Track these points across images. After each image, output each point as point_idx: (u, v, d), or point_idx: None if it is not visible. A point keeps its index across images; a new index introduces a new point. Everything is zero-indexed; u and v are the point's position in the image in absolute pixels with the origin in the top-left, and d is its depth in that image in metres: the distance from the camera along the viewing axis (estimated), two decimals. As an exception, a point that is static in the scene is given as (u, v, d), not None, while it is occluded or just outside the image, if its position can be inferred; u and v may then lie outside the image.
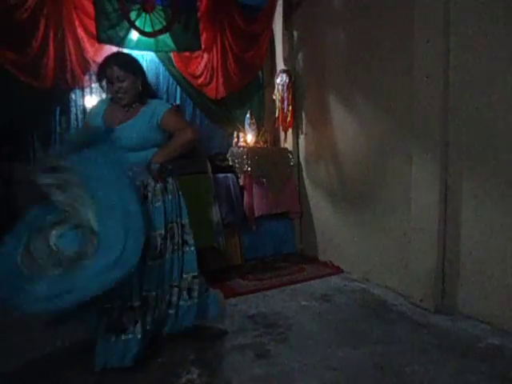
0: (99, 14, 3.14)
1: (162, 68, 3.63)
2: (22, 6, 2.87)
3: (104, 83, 2.01)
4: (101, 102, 2.18)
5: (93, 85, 3.40)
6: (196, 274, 2.11)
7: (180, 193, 2.11)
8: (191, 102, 3.79)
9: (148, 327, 1.96)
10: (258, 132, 3.96)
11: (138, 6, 3.30)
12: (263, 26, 3.79)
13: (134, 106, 2.01)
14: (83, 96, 3.40)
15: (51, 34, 3.00)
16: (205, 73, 3.67)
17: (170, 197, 2.04)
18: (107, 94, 2.12)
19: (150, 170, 1.96)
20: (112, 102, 2.05)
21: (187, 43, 3.55)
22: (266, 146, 4.00)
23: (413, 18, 2.51)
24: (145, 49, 3.45)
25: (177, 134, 2.02)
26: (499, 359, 1.94)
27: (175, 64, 3.57)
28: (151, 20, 3.34)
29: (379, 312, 2.56)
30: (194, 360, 2.01)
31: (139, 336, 1.91)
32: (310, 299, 2.77)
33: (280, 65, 3.98)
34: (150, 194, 1.98)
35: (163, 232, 1.99)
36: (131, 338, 1.90)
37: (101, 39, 3.17)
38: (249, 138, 3.90)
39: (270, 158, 3.73)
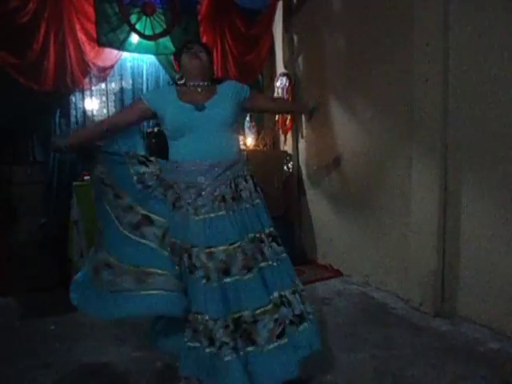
0: (100, 17, 3.15)
1: (162, 71, 3.63)
2: (23, 10, 2.88)
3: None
4: (167, 88, 2.14)
5: (93, 87, 3.42)
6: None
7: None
8: (191, 105, 3.80)
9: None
10: (258, 135, 3.96)
11: (138, 10, 3.30)
12: (263, 29, 3.81)
13: (208, 85, 1.86)
14: (83, 99, 3.42)
15: (52, 37, 3.01)
16: (205, 76, 3.67)
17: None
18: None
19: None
20: (178, 88, 1.87)
21: (187, 46, 3.56)
22: (265, 149, 4.00)
23: (412, 22, 2.52)
24: (145, 52, 3.46)
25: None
26: (499, 363, 1.93)
27: (175, 67, 3.57)
28: (151, 23, 3.35)
29: (379, 316, 2.55)
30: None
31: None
32: (310, 302, 2.75)
33: (280, 68, 3.99)
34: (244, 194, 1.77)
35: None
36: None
37: (101, 42, 3.17)
38: (248, 141, 3.90)
39: (269, 161, 3.73)
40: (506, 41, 2.12)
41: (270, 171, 3.69)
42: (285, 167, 3.79)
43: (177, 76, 1.95)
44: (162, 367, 1.98)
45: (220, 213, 1.68)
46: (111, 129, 1.84)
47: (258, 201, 1.79)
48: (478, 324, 2.31)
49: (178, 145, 1.76)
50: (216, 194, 1.69)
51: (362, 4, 3.01)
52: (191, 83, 1.84)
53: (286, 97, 3.80)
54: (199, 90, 1.83)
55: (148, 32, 3.34)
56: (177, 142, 1.76)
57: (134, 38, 3.34)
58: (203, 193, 1.69)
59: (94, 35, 3.15)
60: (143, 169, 1.76)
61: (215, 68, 3.65)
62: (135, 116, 1.84)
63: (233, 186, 1.73)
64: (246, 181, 1.79)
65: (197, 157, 1.71)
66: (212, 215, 1.67)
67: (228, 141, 1.80)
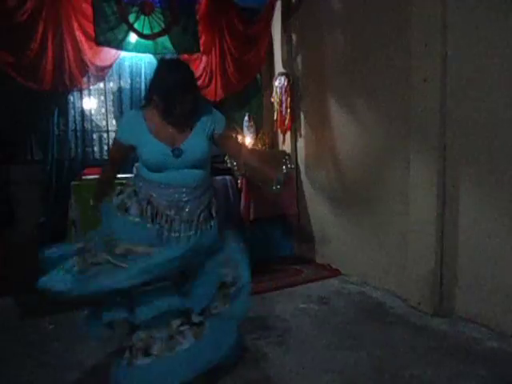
0: (98, 16, 3.16)
1: (160, 70, 3.64)
2: (21, 9, 2.88)
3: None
4: (133, 116, 1.84)
5: (91, 87, 3.42)
6: None
7: None
8: (190, 105, 3.80)
9: None
10: (257, 135, 3.96)
11: (136, 9, 3.31)
12: (262, 28, 3.81)
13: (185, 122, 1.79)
14: (81, 98, 3.42)
15: (50, 37, 3.01)
16: (203, 75, 3.67)
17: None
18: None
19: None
20: (147, 116, 1.75)
21: (186, 46, 3.56)
22: (264, 148, 4.00)
23: (411, 22, 2.52)
24: (143, 51, 3.46)
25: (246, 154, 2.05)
26: (497, 362, 1.94)
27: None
28: (150, 22, 3.35)
29: (377, 315, 2.55)
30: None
31: None
32: (308, 302, 2.76)
33: (278, 68, 3.99)
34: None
35: None
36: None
37: (99, 42, 3.18)
38: (247, 140, 3.90)
39: (268, 160, 3.72)
40: (503, 41, 2.12)
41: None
42: (283, 167, 3.79)
43: (143, 101, 1.82)
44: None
45: (190, 233, 1.76)
46: (117, 166, 1.96)
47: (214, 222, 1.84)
48: (476, 323, 2.32)
49: (153, 174, 1.76)
50: (198, 211, 1.77)
51: (360, 4, 3.01)
52: (169, 120, 1.74)
53: (284, 97, 3.81)
54: (175, 127, 1.76)
55: (146, 31, 3.34)
56: (152, 172, 1.76)
57: (133, 38, 3.34)
58: (186, 209, 1.74)
59: (92, 34, 3.16)
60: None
61: (213, 68, 3.66)
62: (122, 154, 1.87)
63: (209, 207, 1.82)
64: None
65: (173, 182, 1.74)
66: (182, 235, 1.74)
67: (202, 171, 1.80)
